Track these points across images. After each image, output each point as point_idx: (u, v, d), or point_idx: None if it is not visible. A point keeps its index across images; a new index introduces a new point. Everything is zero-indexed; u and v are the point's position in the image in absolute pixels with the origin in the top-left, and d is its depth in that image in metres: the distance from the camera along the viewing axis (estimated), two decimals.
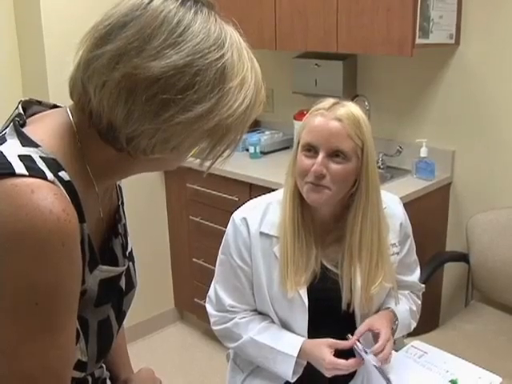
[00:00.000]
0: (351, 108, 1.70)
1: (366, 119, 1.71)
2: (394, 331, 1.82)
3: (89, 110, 0.91)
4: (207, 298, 1.92)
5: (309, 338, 1.78)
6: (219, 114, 0.90)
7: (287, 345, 1.76)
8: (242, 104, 0.91)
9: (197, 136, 0.91)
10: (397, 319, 1.84)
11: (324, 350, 1.70)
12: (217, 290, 1.87)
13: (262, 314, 1.86)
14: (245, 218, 1.80)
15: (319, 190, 1.69)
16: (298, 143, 1.74)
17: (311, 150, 1.69)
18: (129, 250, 1.17)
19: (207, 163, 1.00)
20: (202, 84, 0.87)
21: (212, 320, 1.90)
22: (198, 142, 0.93)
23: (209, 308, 1.91)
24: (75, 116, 0.95)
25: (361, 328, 1.74)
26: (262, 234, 1.78)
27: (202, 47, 0.88)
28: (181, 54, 0.86)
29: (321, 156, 1.66)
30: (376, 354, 1.68)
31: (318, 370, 1.73)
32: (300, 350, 1.73)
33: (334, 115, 1.66)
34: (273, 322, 1.84)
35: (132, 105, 0.87)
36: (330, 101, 1.72)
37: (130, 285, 1.16)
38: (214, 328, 1.90)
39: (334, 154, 1.67)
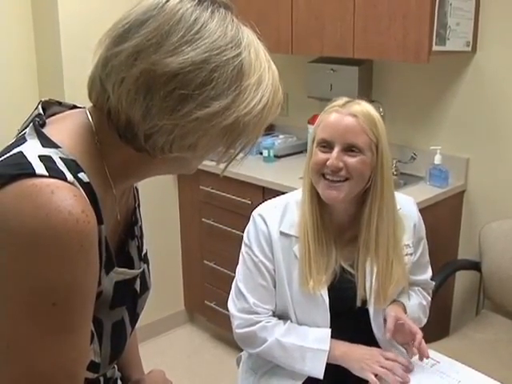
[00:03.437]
0: (366, 106, 1.73)
1: (380, 118, 1.74)
2: None
3: (107, 108, 0.92)
4: (229, 300, 1.88)
5: None
6: (237, 110, 0.90)
7: (315, 340, 1.75)
8: (260, 103, 0.92)
9: (214, 133, 0.91)
10: (406, 312, 1.85)
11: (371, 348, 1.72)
12: (240, 288, 1.84)
13: (282, 316, 1.86)
14: (264, 218, 1.81)
15: (336, 187, 1.70)
16: (313, 142, 1.75)
17: (326, 145, 1.71)
18: (144, 252, 1.17)
19: (222, 165, 1.01)
20: (220, 80, 0.88)
21: (236, 323, 1.84)
22: (214, 141, 0.93)
23: (232, 309, 1.86)
24: (94, 117, 0.96)
25: (390, 325, 1.72)
26: (281, 233, 1.79)
27: (219, 44, 0.89)
28: (198, 50, 0.87)
29: (336, 150, 1.69)
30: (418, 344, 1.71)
31: (324, 378, 1.74)
32: (330, 344, 1.73)
33: (348, 111, 1.69)
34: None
35: (150, 101, 0.87)
36: (344, 99, 1.75)
37: (145, 287, 1.16)
38: (238, 331, 1.84)
39: (349, 149, 1.69)
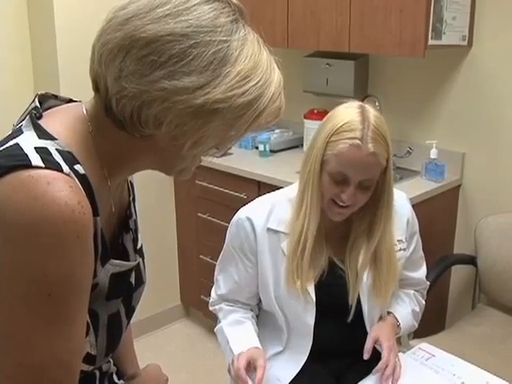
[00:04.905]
0: (379, 126, 1.64)
1: (387, 128, 1.67)
2: (397, 337, 1.85)
3: (93, 75, 0.94)
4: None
5: (315, 333, 1.78)
6: (210, 93, 0.88)
7: (238, 344, 1.79)
8: (241, 97, 0.90)
9: (181, 110, 0.89)
10: (399, 324, 1.86)
11: (244, 357, 1.69)
12: (217, 276, 1.93)
13: (248, 309, 1.91)
14: (249, 217, 1.81)
15: (344, 211, 1.72)
16: (323, 161, 1.68)
17: (342, 177, 1.67)
18: (139, 245, 1.18)
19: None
20: (197, 58, 0.88)
21: (210, 301, 1.97)
22: (182, 120, 0.90)
23: (212, 289, 1.97)
24: (89, 106, 0.97)
25: (368, 346, 1.73)
26: (269, 229, 1.79)
27: (205, 24, 0.89)
28: (181, 24, 0.88)
29: (352, 187, 1.66)
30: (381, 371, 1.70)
31: (322, 371, 1.74)
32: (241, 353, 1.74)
33: (369, 149, 1.61)
34: (254, 319, 1.90)
35: (124, 63, 0.88)
36: (357, 121, 1.63)
37: (140, 280, 1.16)
38: (210, 308, 1.98)
39: (363, 181, 1.67)
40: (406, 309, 1.92)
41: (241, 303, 1.91)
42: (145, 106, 0.89)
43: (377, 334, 1.76)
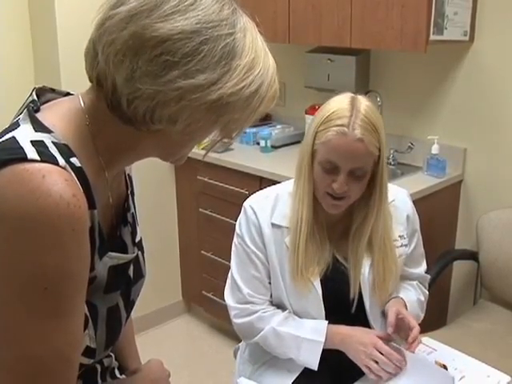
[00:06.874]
0: (368, 115, 1.64)
1: (380, 118, 1.68)
2: None
3: (96, 73, 0.93)
4: (225, 290, 1.89)
5: None
6: (223, 88, 0.89)
7: (312, 331, 1.75)
8: (249, 87, 0.92)
9: (196, 107, 0.90)
10: (406, 308, 1.85)
11: (368, 332, 1.73)
12: (235, 279, 1.84)
13: (279, 307, 1.86)
14: (255, 210, 1.80)
15: (339, 203, 1.71)
16: (313, 151, 1.69)
17: (331, 166, 1.66)
18: (138, 239, 1.17)
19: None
20: (208, 54, 0.88)
21: (233, 313, 1.86)
22: (196, 116, 0.91)
23: (228, 300, 1.87)
24: (87, 97, 0.97)
25: (392, 319, 1.72)
26: (273, 224, 1.78)
27: (212, 19, 0.89)
28: (189, 20, 0.88)
29: (343, 176, 1.65)
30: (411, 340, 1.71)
31: (319, 371, 1.74)
32: (327, 334, 1.73)
33: (356, 135, 1.61)
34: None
35: (136, 64, 0.87)
36: (345, 109, 1.64)
37: (139, 274, 1.16)
38: (235, 321, 1.85)
39: (354, 171, 1.66)
40: (412, 297, 1.92)
41: (270, 302, 1.85)
42: (159, 105, 0.89)
43: (396, 308, 1.76)
